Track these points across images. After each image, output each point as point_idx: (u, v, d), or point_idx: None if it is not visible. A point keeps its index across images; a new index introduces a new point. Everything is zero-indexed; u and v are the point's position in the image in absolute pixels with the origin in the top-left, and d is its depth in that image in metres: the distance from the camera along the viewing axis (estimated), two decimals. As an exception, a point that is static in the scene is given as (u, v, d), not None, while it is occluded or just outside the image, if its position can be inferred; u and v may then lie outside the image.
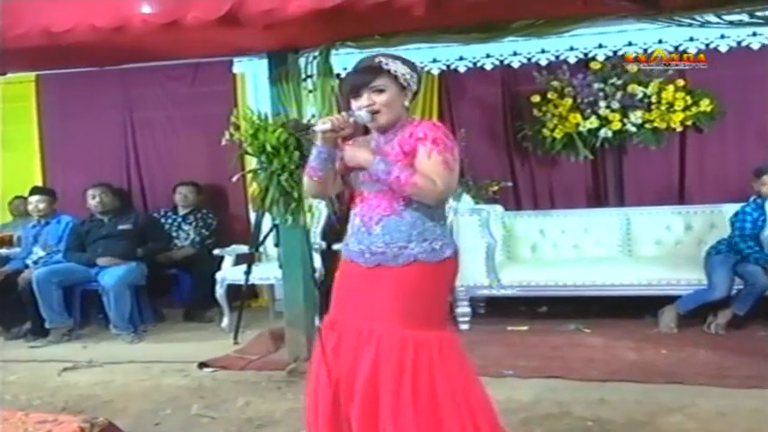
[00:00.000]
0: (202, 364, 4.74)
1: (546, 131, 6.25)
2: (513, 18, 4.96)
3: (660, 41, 6.07)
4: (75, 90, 7.31)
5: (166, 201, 7.15)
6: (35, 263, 6.22)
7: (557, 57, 6.26)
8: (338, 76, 6.34)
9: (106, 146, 7.37)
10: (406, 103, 2.58)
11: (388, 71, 2.55)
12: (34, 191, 6.51)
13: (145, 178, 7.46)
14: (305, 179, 2.66)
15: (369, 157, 2.52)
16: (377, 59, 2.60)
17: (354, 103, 2.58)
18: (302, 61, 5.16)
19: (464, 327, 5.47)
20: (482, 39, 5.19)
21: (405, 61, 2.61)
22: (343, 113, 2.58)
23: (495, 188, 6.26)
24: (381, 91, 2.54)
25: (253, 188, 5.34)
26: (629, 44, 6.09)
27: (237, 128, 5.13)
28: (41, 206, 6.38)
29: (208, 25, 4.49)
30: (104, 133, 7.37)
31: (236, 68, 6.61)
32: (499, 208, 6.16)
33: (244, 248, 6.13)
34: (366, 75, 2.58)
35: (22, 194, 6.78)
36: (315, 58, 5.15)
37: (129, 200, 7.20)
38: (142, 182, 7.47)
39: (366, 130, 2.70)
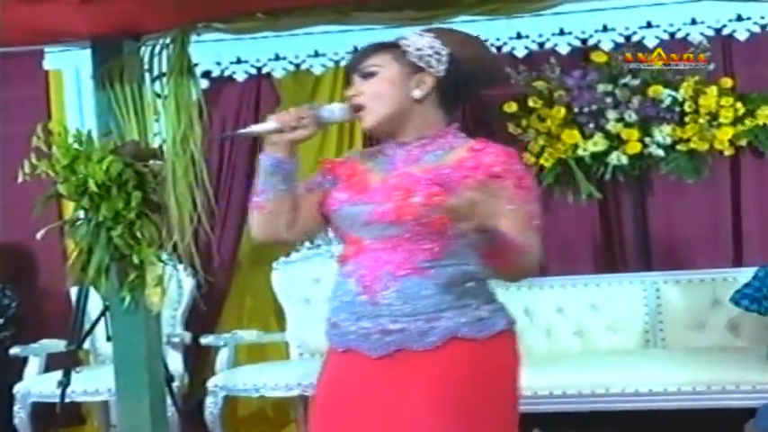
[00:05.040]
0: None
1: (528, 157, 6.11)
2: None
3: (694, 22, 6.11)
4: None
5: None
6: None
7: (540, 45, 6.26)
8: (206, 74, 6.42)
9: None
10: (416, 93, 2.59)
11: (395, 46, 2.62)
12: None
13: None
14: (251, 212, 2.69)
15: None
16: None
17: None
18: (146, 53, 5.15)
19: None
20: (419, 19, 5.14)
21: (446, 34, 2.65)
22: (304, 106, 2.64)
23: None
24: (372, 74, 2.61)
25: (71, 249, 5.24)
26: (648, 25, 6.11)
27: (45, 156, 5.06)
28: None
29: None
30: None
31: (47, 63, 6.61)
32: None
33: (60, 345, 6.00)
34: (360, 54, 2.68)
35: None
36: (165, 47, 5.13)
37: None
38: None
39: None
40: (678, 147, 5.98)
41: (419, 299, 2.49)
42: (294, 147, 2.62)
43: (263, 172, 2.62)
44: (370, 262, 2.55)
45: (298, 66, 6.46)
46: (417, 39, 2.60)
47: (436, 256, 2.50)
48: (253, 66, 6.48)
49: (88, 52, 5.29)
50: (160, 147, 4.84)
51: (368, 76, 2.60)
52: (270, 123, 2.62)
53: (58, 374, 5.58)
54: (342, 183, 2.66)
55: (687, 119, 5.98)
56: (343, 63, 6.40)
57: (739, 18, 6.00)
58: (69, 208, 5.35)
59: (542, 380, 5.32)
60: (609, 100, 5.99)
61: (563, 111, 6.06)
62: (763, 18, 5.89)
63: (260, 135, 2.66)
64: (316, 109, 2.63)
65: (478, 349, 2.48)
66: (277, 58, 6.44)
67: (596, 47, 6.09)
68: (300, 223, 2.67)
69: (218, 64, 6.46)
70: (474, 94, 2.79)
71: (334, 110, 2.65)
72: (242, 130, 2.84)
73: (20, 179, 5.06)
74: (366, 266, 2.55)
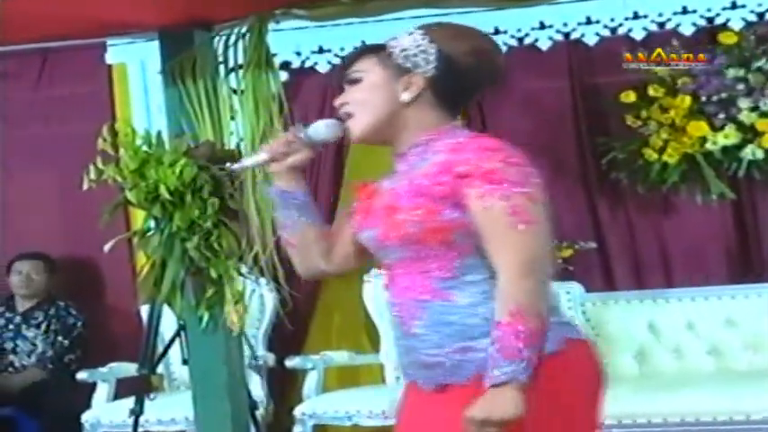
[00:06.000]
0: None
1: (650, 153, 6.08)
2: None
3: None
4: None
5: (-4, 286, 7.20)
6: None
7: (660, 25, 6.19)
8: (285, 66, 6.40)
9: None
10: (405, 96, 2.59)
11: (382, 48, 2.66)
12: None
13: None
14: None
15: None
16: None
17: None
18: (219, 44, 5.17)
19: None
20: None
21: (437, 30, 2.65)
22: (292, 129, 2.77)
23: (569, 253, 6.12)
24: (357, 81, 2.66)
25: (141, 263, 5.31)
26: (783, 1, 6.05)
27: (111, 159, 5.06)
28: None
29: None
30: None
31: (110, 57, 6.71)
32: (576, 287, 6.09)
33: (130, 369, 6.06)
34: (348, 59, 2.77)
35: None
36: (241, 37, 5.13)
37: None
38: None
39: None
40: (822, 140, 5.93)
41: (445, 326, 2.49)
42: (297, 175, 2.75)
43: (276, 206, 2.82)
44: (398, 289, 2.60)
45: (387, 55, 6.42)
46: (403, 38, 2.63)
47: (454, 275, 2.49)
48: (336, 55, 6.40)
49: (155, 44, 5.34)
50: (237, 147, 4.82)
51: (353, 82, 2.66)
52: (261, 154, 2.78)
53: (129, 402, 5.64)
54: (359, 205, 2.74)
55: (832, 108, 5.93)
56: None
57: None
58: (139, 217, 5.33)
59: (672, 404, 5.38)
60: (741, 87, 5.92)
61: (688, 100, 5.99)
62: None
63: (254, 167, 2.92)
64: (303, 130, 2.73)
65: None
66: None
67: (725, 26, 5.99)
68: (339, 252, 2.79)
69: (299, 54, 6.44)
70: (476, 91, 2.72)
71: (319, 127, 2.72)
72: (235, 165, 3.03)
73: (85, 186, 5.04)
74: (396, 294, 2.61)
